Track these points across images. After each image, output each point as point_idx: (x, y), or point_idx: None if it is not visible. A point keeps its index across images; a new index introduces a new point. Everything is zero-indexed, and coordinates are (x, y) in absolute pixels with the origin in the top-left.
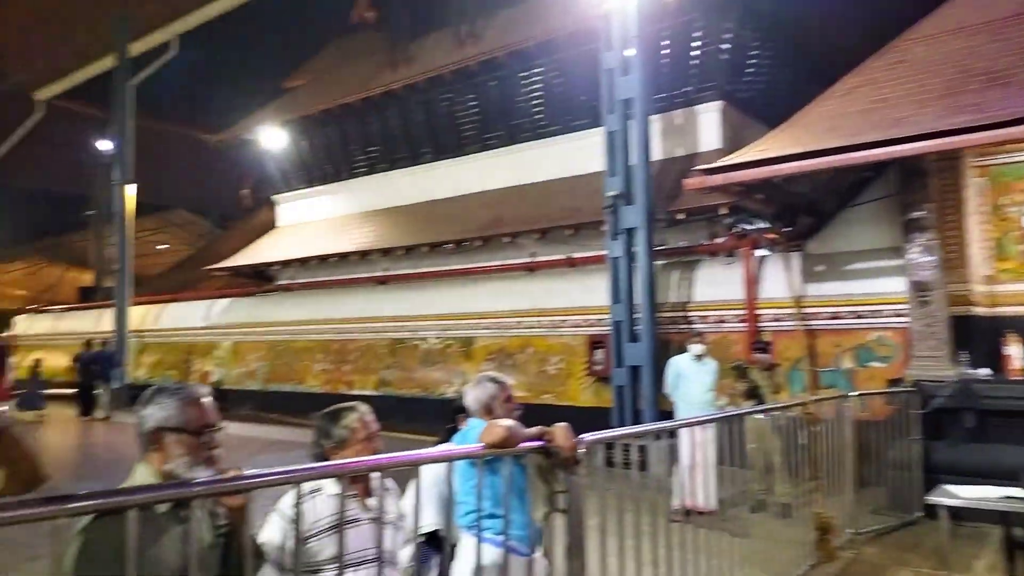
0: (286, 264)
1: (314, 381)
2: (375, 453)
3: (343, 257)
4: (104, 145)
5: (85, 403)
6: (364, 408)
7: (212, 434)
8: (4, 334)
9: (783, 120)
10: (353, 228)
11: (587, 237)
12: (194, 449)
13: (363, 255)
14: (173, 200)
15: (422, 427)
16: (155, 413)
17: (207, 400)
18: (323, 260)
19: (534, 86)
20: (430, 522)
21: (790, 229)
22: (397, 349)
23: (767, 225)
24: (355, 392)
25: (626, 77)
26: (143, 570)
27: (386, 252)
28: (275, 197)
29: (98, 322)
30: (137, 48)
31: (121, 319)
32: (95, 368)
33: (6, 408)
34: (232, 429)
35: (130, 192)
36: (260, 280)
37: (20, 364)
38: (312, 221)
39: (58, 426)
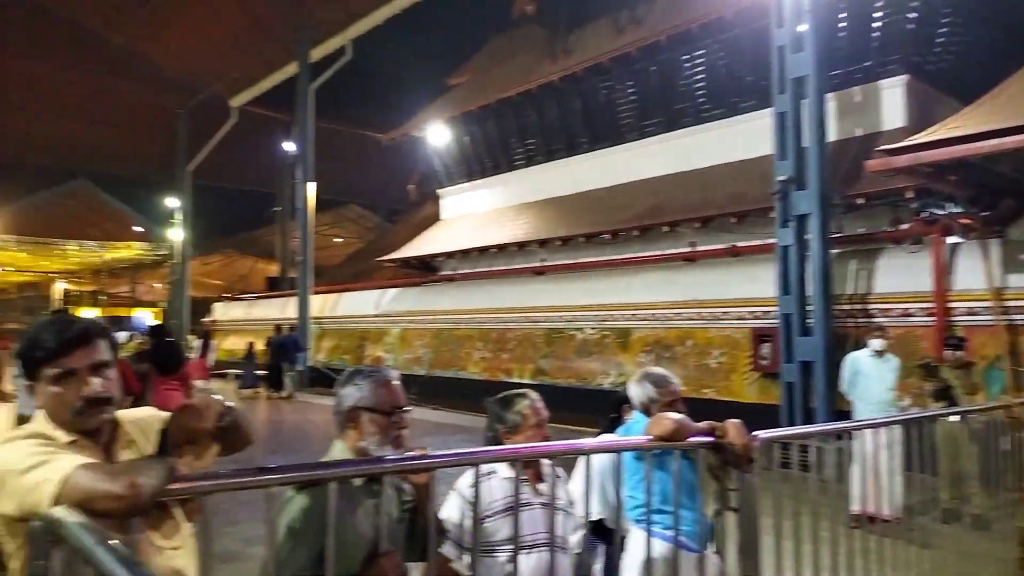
0: (449, 255)
1: (474, 368)
2: (545, 439)
3: (502, 248)
4: (288, 147)
5: (275, 382)
6: (535, 395)
7: (401, 415)
8: (205, 319)
9: (976, 94)
10: (512, 220)
11: (752, 225)
12: (385, 428)
13: (521, 246)
14: (347, 196)
15: (578, 417)
16: (352, 393)
17: (397, 383)
18: (483, 251)
19: (696, 69)
20: (594, 511)
21: (988, 214)
22: (554, 339)
23: (961, 209)
24: (513, 380)
25: (799, 54)
26: (342, 535)
27: (543, 243)
28: (439, 191)
29: (283, 309)
30: (316, 54)
31: (303, 307)
32: (283, 351)
33: (210, 386)
34: None
35: (311, 190)
36: (425, 271)
37: (219, 346)
38: (473, 213)
39: (250, 403)
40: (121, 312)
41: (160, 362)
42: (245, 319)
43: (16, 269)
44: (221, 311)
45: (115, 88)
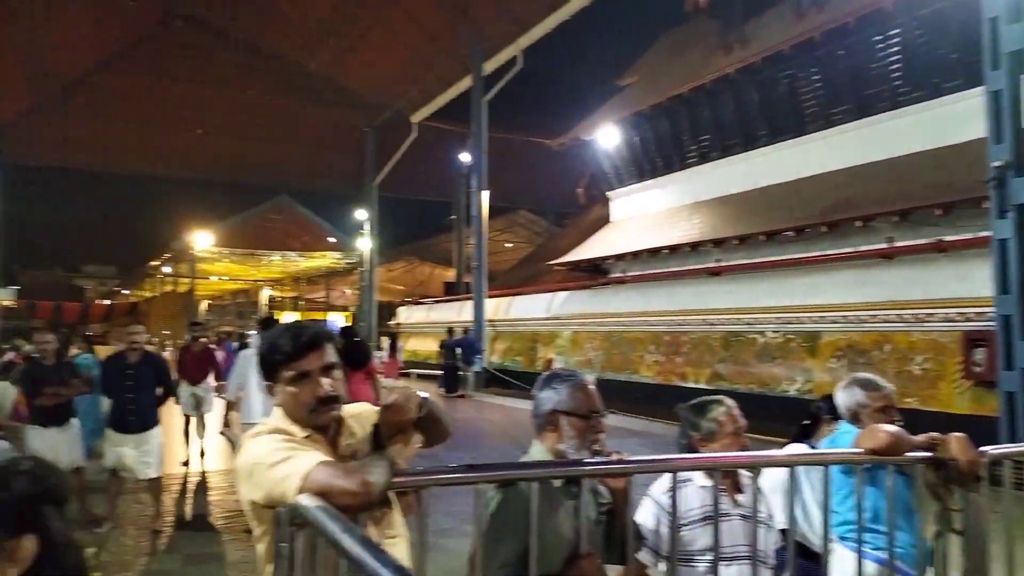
0: (619, 257)
1: (647, 372)
2: (742, 448)
3: (674, 249)
4: (464, 158)
5: (449, 382)
6: (731, 402)
7: (599, 419)
8: (391, 323)
9: None
10: (684, 219)
11: (959, 217)
12: (583, 432)
13: (694, 246)
14: (517, 202)
15: (759, 424)
16: (550, 397)
17: (593, 388)
18: (655, 252)
19: (891, 49)
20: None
21: None
22: (732, 342)
23: None
24: (688, 385)
25: (1015, 25)
26: (543, 534)
27: (718, 243)
28: (609, 193)
29: (460, 313)
30: (488, 66)
31: (479, 310)
32: (458, 352)
33: (398, 383)
34: None
35: (485, 199)
36: (595, 273)
37: (404, 347)
38: (644, 214)
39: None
40: (317, 316)
41: (350, 359)
42: (425, 322)
43: (229, 278)
44: (404, 314)
45: (311, 111)
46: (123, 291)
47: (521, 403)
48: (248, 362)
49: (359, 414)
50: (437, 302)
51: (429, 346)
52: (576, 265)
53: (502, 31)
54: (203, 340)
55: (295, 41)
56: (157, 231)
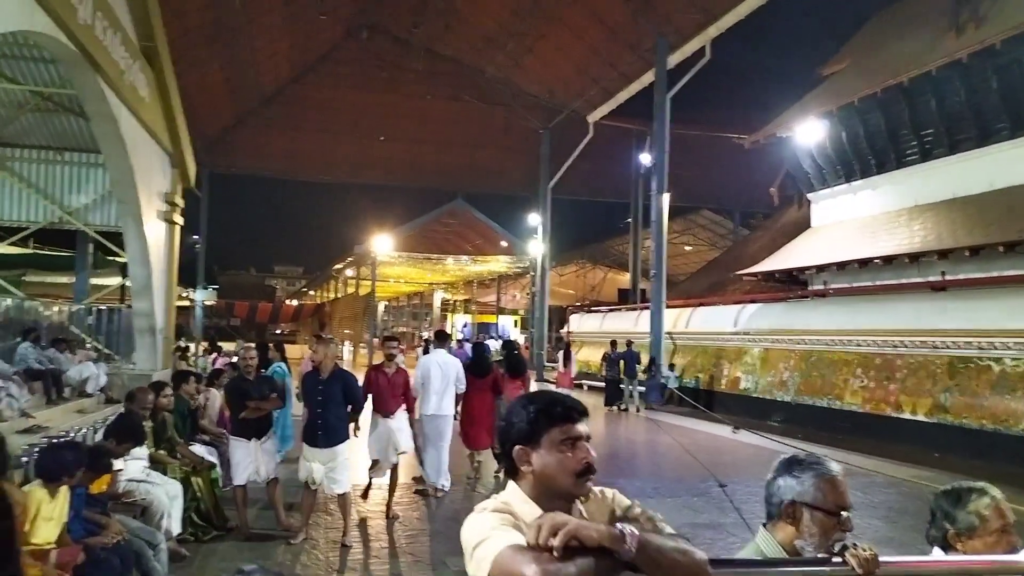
0: (821, 268)
1: (852, 398)
2: (1011, 548)
3: (888, 260)
4: (644, 158)
5: (610, 395)
6: (997, 493)
7: (847, 517)
8: (563, 331)
9: None
10: (901, 226)
11: None
12: (828, 530)
13: (914, 257)
14: (698, 201)
15: (992, 467)
16: (791, 486)
17: (843, 479)
18: (864, 263)
19: None
20: None
21: None
22: (959, 369)
23: None
24: (903, 416)
25: None
26: None
27: (944, 253)
28: (809, 195)
29: (636, 323)
30: (674, 60)
31: (657, 321)
32: (621, 365)
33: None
34: (756, 441)
35: (665, 202)
36: (791, 285)
37: (576, 356)
38: (850, 219)
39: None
40: (488, 319)
41: (510, 368)
42: (598, 331)
43: (405, 281)
44: (576, 322)
45: (486, 115)
46: (309, 291)
47: (702, 425)
48: (428, 367)
49: (600, 500)
50: (611, 310)
51: (599, 356)
52: (770, 275)
53: (689, 21)
54: (397, 353)
55: (473, 45)
56: (340, 234)
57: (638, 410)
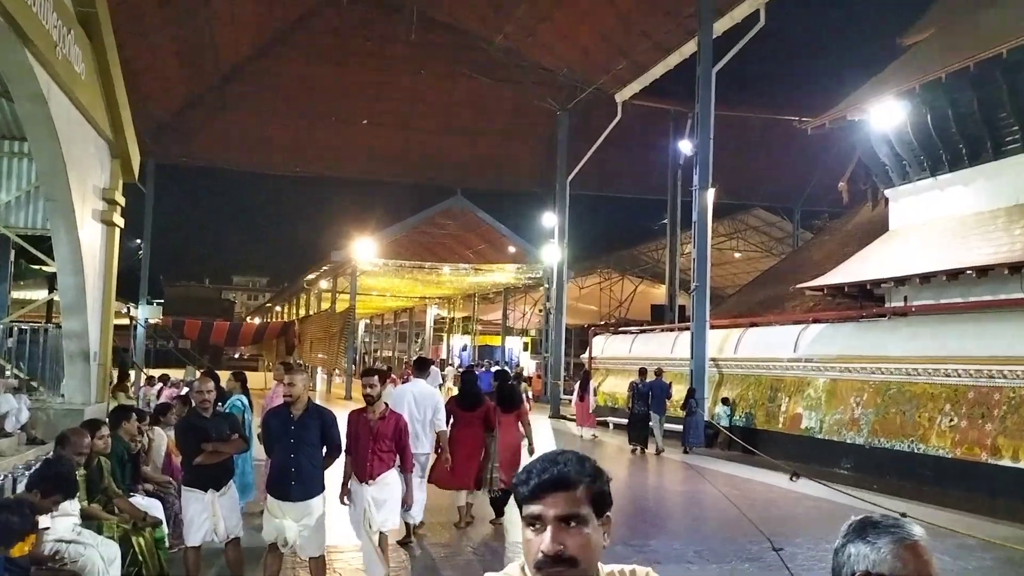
0: (900, 280)
1: (939, 441)
2: None
3: (983, 271)
4: (683, 146)
5: (635, 434)
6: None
7: None
8: (584, 357)
9: None
10: (997, 229)
11: None
12: None
13: (1015, 268)
14: (750, 198)
15: None
16: (865, 554)
17: (926, 546)
18: (953, 276)
19: None
20: None
21: None
22: None
23: None
24: (1002, 463)
25: None
26: None
27: None
28: (887, 191)
29: (673, 347)
30: (720, 27)
31: (699, 344)
32: (649, 399)
33: (594, 434)
34: (820, 492)
35: (709, 199)
36: (864, 301)
37: (599, 388)
38: (936, 220)
39: (609, 456)
40: (492, 341)
41: (502, 401)
42: (626, 357)
43: (392, 295)
44: (600, 345)
45: (492, 95)
46: (275, 307)
47: (753, 473)
48: (401, 398)
49: None
50: (643, 330)
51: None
52: (837, 288)
53: None
54: (377, 393)
55: (476, 11)
56: (313, 239)
57: (658, 451)
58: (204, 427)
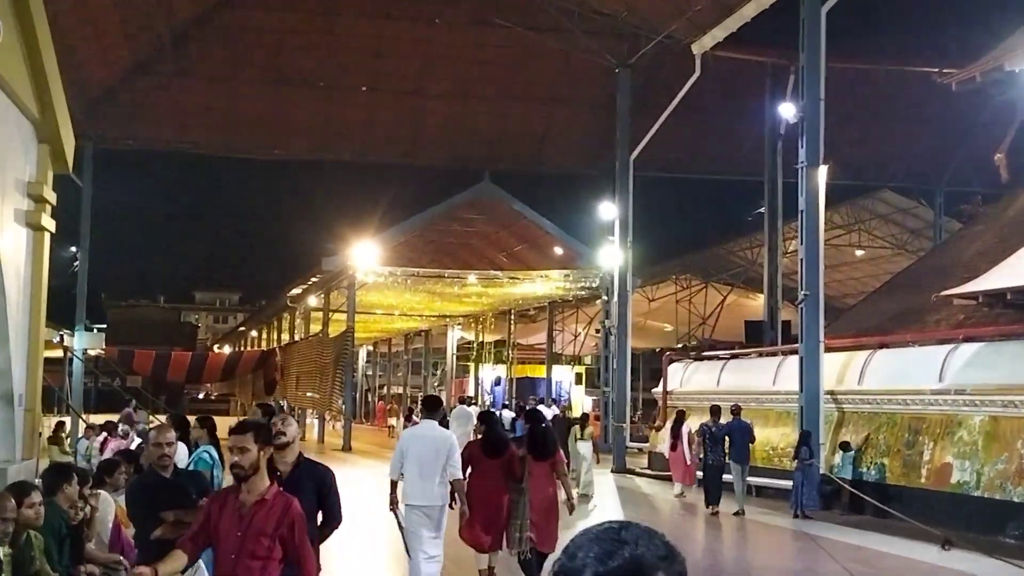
0: None
1: None
2: None
3: None
4: (785, 110)
5: (712, 491)
6: None
7: None
8: (657, 391)
9: None
10: None
11: None
12: None
13: None
14: (876, 178)
15: None
16: None
17: None
18: None
19: None
20: None
21: None
22: None
23: None
24: None
25: None
26: None
27: None
28: None
29: (775, 375)
30: None
31: (811, 372)
32: (726, 444)
33: (683, 490)
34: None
35: (821, 178)
36: None
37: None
38: None
39: (683, 520)
40: (533, 372)
41: (535, 448)
42: (713, 391)
43: (401, 314)
44: (677, 376)
45: (531, 48)
46: (249, 332)
47: (889, 542)
48: (409, 443)
49: None
50: (735, 355)
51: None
52: (997, 296)
53: None
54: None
55: None
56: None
57: (739, 513)
58: (162, 490)
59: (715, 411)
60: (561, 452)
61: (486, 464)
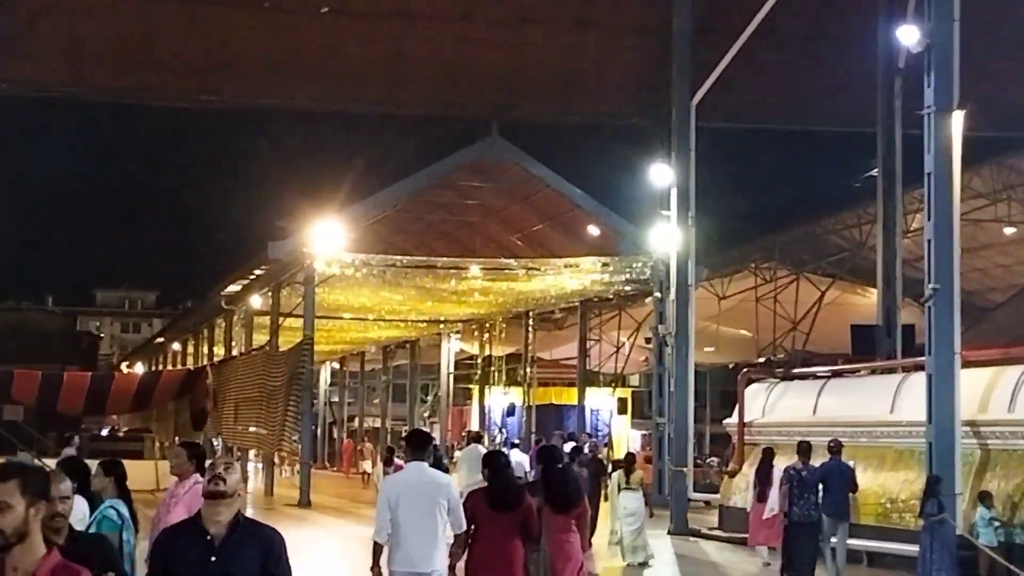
0: None
1: None
2: None
3: None
4: (904, 35)
5: (798, 555)
6: None
7: None
8: (729, 422)
9: None
10: None
11: None
12: None
13: None
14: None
15: None
16: None
17: None
18: None
19: None
20: None
21: None
22: None
23: None
24: None
25: None
26: None
27: None
28: None
29: (893, 400)
30: None
31: (944, 396)
32: (818, 495)
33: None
34: None
35: (956, 126)
36: None
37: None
38: None
39: None
40: (561, 396)
41: (551, 495)
42: (808, 422)
43: (376, 318)
44: (758, 401)
45: None
46: (171, 344)
47: None
48: (396, 491)
49: None
50: (837, 372)
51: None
52: None
53: None
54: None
55: None
56: (237, 222)
57: None
58: None
59: (804, 449)
60: (586, 502)
61: (494, 521)
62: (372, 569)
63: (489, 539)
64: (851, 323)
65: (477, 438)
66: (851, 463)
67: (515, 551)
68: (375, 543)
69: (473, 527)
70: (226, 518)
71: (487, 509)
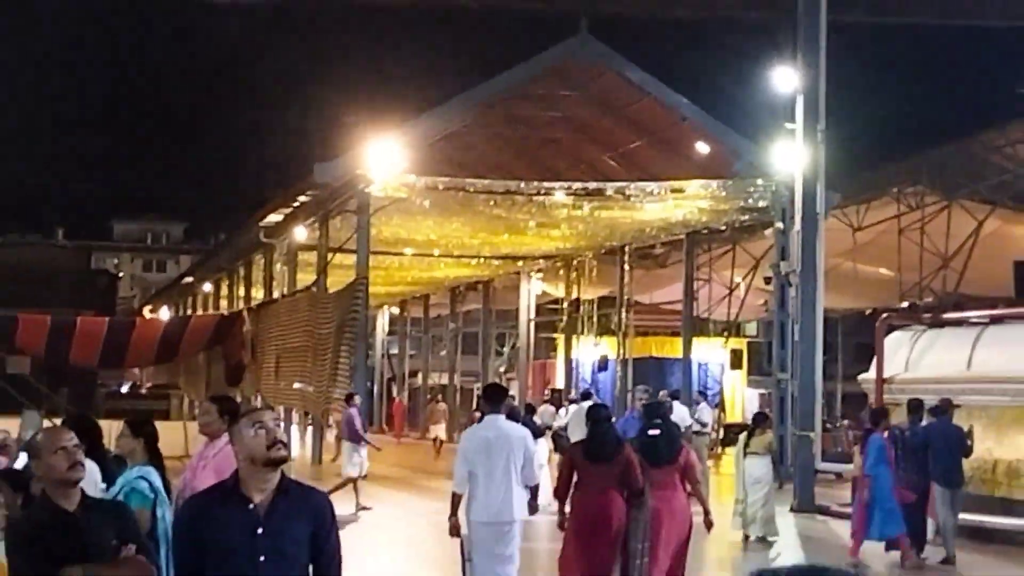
0: None
1: None
2: None
3: None
4: None
5: (915, 529)
6: None
7: None
8: (865, 377)
9: None
10: None
11: None
12: None
13: None
14: None
15: None
16: None
17: None
18: None
19: None
20: None
21: None
22: None
23: None
24: None
25: None
26: None
27: None
28: None
29: None
30: None
31: None
32: (927, 457)
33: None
34: None
35: None
36: None
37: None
38: None
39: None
40: (661, 348)
41: (648, 450)
42: (961, 377)
43: (442, 254)
44: (902, 352)
45: None
46: (201, 285)
47: None
48: (473, 444)
49: None
50: (998, 318)
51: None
52: None
53: None
54: None
55: None
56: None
57: (948, 561)
58: (65, 532)
59: (915, 407)
60: (689, 452)
61: (591, 472)
62: (451, 519)
63: (587, 489)
64: (1015, 259)
65: (586, 394)
66: (965, 427)
67: (612, 502)
68: (454, 493)
69: (576, 479)
70: (269, 485)
71: (584, 461)
